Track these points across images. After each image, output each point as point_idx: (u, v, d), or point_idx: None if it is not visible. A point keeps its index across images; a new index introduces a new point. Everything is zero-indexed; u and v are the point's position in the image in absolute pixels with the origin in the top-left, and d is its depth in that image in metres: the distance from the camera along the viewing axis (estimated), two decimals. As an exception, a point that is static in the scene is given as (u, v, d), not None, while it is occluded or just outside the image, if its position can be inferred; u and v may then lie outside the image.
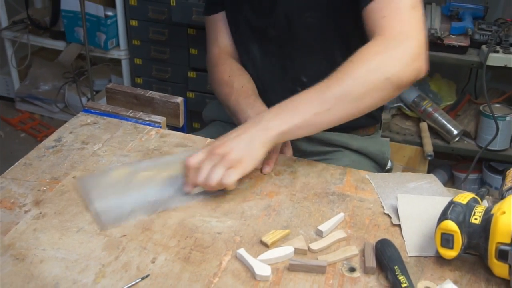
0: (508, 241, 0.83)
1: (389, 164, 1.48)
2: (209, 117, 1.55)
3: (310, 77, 1.31)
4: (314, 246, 0.94)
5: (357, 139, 1.40)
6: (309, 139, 1.32)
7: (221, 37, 1.43)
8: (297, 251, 0.93)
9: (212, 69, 1.42)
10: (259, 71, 1.38)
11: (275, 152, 1.14)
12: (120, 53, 2.85)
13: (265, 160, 1.10)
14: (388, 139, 2.25)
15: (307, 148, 1.37)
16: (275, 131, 1.04)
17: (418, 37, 1.07)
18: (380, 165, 1.44)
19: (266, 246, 0.94)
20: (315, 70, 1.29)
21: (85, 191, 1.05)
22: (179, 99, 1.28)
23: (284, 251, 0.92)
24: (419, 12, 1.08)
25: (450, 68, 2.56)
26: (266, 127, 1.05)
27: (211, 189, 1.03)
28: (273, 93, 1.33)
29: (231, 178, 1.01)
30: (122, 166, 1.13)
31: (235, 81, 1.33)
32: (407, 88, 1.14)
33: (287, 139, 1.10)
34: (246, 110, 1.24)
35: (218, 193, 1.05)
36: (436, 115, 2.42)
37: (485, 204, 0.97)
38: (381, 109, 1.48)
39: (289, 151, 1.23)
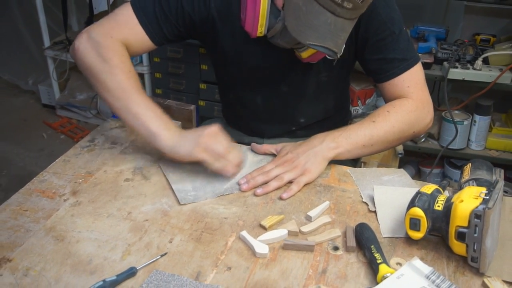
0: (466, 225, 0.83)
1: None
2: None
3: (306, 118, 1.35)
4: (304, 228, 0.94)
5: None
6: (296, 139, 1.32)
7: (128, 36, 1.16)
8: (290, 233, 0.93)
9: (101, 50, 1.11)
10: (258, 113, 1.35)
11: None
12: (143, 68, 2.84)
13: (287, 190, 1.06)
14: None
15: None
16: (334, 151, 1.11)
17: (430, 102, 1.20)
18: (356, 160, 1.45)
19: (264, 229, 0.94)
20: (312, 113, 1.34)
21: (167, 173, 1.08)
22: (192, 107, 1.27)
23: (279, 233, 0.92)
24: (426, 85, 1.21)
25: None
26: (328, 147, 1.11)
27: (274, 188, 1.05)
28: (270, 132, 1.36)
29: (302, 181, 1.06)
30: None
31: (135, 84, 1.11)
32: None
33: (339, 158, 1.13)
34: (153, 121, 1.06)
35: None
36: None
37: (446, 194, 0.97)
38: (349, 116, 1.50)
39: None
